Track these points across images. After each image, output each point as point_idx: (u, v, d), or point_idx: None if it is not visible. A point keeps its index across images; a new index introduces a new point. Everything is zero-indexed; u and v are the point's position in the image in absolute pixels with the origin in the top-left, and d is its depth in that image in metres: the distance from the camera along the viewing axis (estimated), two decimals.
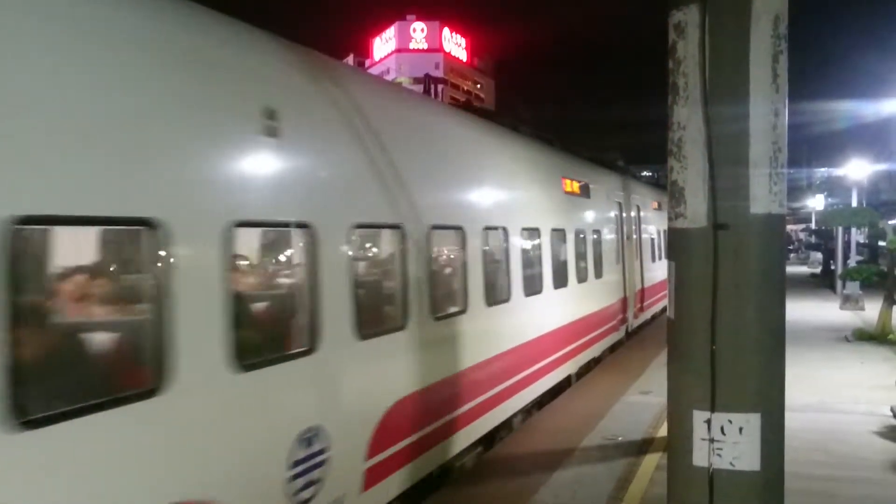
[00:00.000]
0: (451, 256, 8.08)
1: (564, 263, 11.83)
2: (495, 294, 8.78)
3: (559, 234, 11.57)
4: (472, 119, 9.74)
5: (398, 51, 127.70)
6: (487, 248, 8.70)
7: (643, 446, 8.86)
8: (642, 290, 18.81)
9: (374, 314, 6.50)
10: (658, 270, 21.20)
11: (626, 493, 7.33)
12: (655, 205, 22.42)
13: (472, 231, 8.10)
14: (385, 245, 7.13)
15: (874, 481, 7.69)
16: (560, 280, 11.38)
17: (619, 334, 16.03)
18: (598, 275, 14.05)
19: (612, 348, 15.56)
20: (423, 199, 7.13)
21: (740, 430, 3.33)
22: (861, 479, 7.75)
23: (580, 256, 12.83)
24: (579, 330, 12.45)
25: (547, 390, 10.88)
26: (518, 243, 9.59)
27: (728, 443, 3.34)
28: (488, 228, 8.66)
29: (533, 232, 10.30)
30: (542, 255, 10.62)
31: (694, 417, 3.40)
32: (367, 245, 7.13)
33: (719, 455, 3.35)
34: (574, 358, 12.25)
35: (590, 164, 15.50)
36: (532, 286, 10.07)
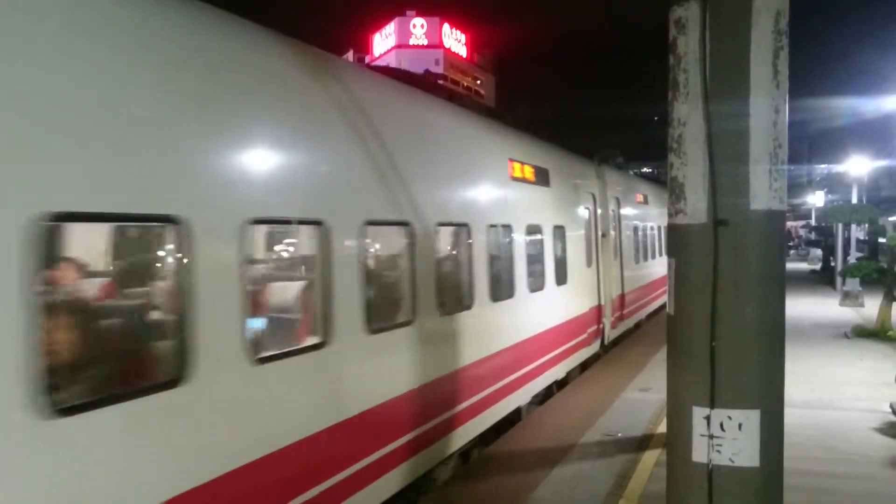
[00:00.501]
0: (308, 265, 5.70)
1: (510, 268, 9.38)
2: (390, 315, 6.56)
3: (501, 232, 9.18)
4: (355, 71, 7.09)
5: (398, 47, 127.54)
6: (376, 252, 6.61)
7: (643, 443, 8.87)
8: (622, 295, 16.28)
9: (141, 352, 4.25)
10: (643, 272, 19.08)
11: (625, 490, 7.34)
12: (640, 198, 20.00)
13: (343, 229, 5.67)
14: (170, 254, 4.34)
15: (873, 478, 7.70)
16: (501, 290, 9.01)
17: (592, 348, 13.65)
18: (561, 280, 11.51)
19: (585, 365, 13.42)
20: (239, 180, 4.59)
21: (740, 426, 3.33)
22: (860, 475, 7.76)
23: (534, 258, 10.33)
24: (532, 351, 10.05)
25: (484, 429, 8.55)
26: (433, 244, 7.23)
27: (727, 439, 3.34)
28: (375, 224, 6.18)
29: (458, 229, 8.04)
30: (474, 260, 8.20)
31: (693, 414, 3.41)
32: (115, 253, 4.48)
33: (719, 451, 3.35)
34: (524, 386, 9.80)
35: (551, 147, 12.82)
36: (456, 300, 7.81)
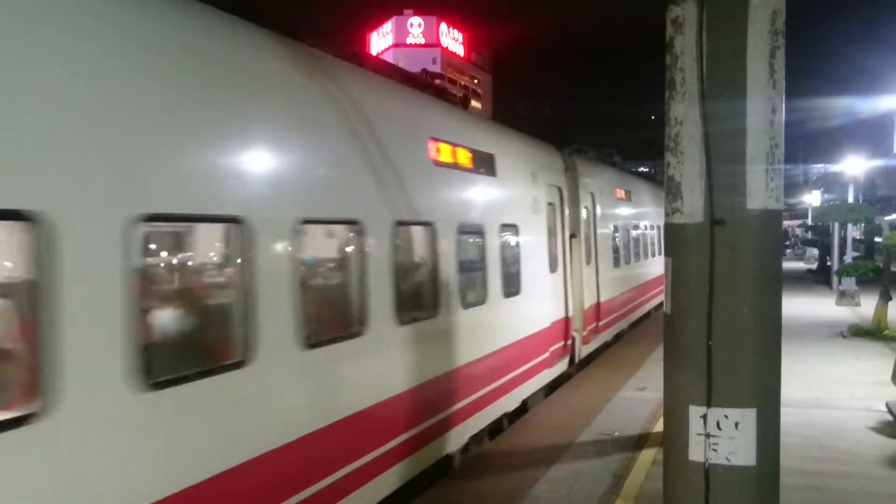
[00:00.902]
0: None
1: (431, 278, 7.40)
2: (206, 354, 4.70)
3: (417, 231, 7.36)
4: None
5: (395, 46, 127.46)
6: (188, 259, 5.02)
7: (639, 441, 8.89)
8: (598, 305, 14.14)
9: None
10: (624, 277, 17.25)
11: (622, 488, 7.36)
12: (621, 194, 17.85)
13: (86, 227, 3.76)
14: None
15: (869, 476, 7.73)
16: (416, 307, 7.13)
17: (557, 368, 11.65)
18: (512, 290, 9.50)
19: (553, 385, 11.64)
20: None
21: (736, 425, 3.33)
22: (856, 474, 7.78)
23: (470, 265, 8.35)
24: (467, 383, 7.98)
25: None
26: (293, 249, 5.23)
27: (724, 438, 3.34)
28: (160, 219, 4.28)
29: (344, 228, 6.15)
30: (369, 269, 6.18)
31: (690, 413, 3.41)
32: None
33: (715, 450, 3.36)
34: (455, 428, 7.74)
35: (500, 129, 10.82)
36: (336, 326, 6.00)
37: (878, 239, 24.90)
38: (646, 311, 20.35)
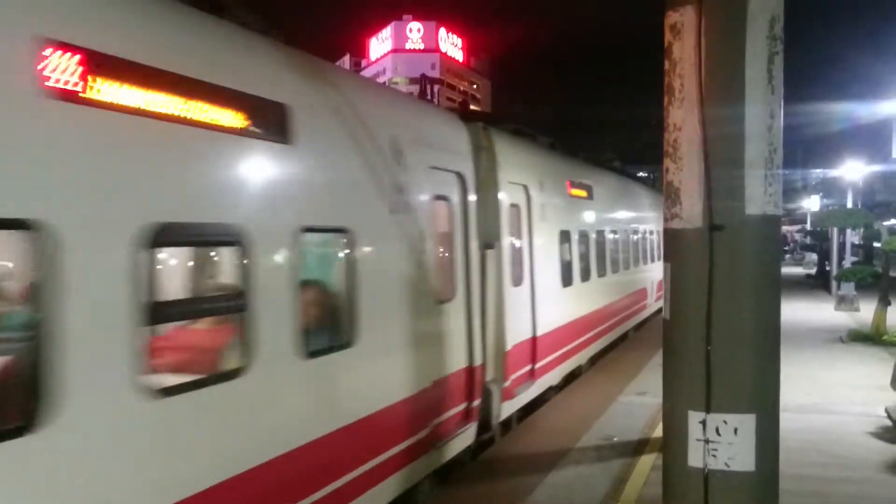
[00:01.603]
0: None
1: (53, 339, 3.15)
2: None
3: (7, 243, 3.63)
4: None
5: (394, 51, 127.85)
6: None
7: (639, 447, 8.88)
8: (534, 340, 10.08)
9: None
10: (579, 298, 12.74)
11: (621, 494, 7.34)
12: (578, 190, 13.44)
13: None
14: None
15: (868, 481, 7.72)
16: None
17: (445, 452, 7.31)
18: (330, 342, 5.55)
19: (453, 465, 7.79)
20: None
21: (735, 430, 3.33)
22: (855, 479, 7.77)
23: (202, 304, 5.10)
24: None
25: None
26: None
27: (723, 443, 3.34)
28: None
29: None
30: None
31: (689, 418, 3.41)
32: None
33: (714, 456, 3.35)
34: None
35: (308, 62, 5.75)
36: None
37: (876, 244, 24.94)
38: (622, 333, 16.98)
